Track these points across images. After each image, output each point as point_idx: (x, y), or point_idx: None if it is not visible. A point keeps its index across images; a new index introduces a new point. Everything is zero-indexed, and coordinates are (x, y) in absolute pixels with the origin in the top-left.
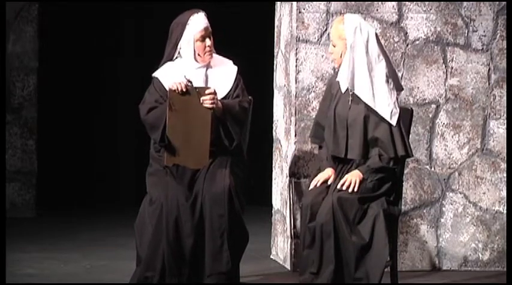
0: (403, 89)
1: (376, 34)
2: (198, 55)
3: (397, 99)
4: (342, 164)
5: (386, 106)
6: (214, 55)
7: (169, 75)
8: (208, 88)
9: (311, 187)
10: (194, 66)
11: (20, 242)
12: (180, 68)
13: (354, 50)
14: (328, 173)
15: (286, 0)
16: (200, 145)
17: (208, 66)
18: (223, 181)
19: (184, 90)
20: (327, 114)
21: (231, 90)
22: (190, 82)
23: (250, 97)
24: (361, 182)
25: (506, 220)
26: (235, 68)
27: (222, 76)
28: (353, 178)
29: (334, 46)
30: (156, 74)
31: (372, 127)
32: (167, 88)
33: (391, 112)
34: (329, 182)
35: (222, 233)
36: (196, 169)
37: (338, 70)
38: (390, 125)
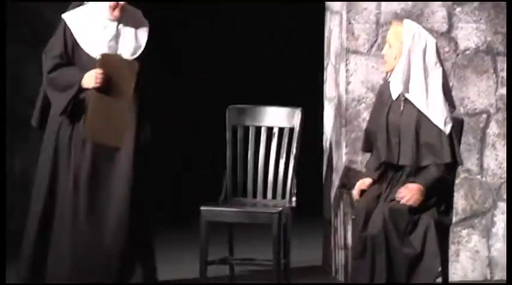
0: (455, 108)
1: (436, 44)
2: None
3: (449, 111)
4: (392, 172)
5: (440, 114)
6: (127, 6)
7: (83, 25)
8: (134, 62)
9: (355, 197)
10: (107, 16)
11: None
12: (93, 17)
13: (410, 54)
14: (365, 183)
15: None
16: (119, 121)
17: (120, 21)
18: None
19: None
20: (379, 122)
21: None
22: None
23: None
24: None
25: None
26: (146, 23)
27: (134, 34)
28: (415, 195)
29: (390, 47)
30: (66, 17)
31: (424, 133)
32: (79, 40)
33: (445, 120)
34: (372, 190)
35: None
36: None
37: (390, 74)
38: (442, 132)
